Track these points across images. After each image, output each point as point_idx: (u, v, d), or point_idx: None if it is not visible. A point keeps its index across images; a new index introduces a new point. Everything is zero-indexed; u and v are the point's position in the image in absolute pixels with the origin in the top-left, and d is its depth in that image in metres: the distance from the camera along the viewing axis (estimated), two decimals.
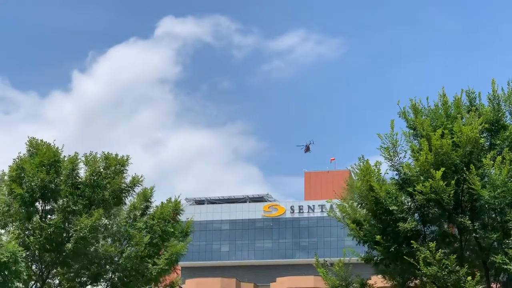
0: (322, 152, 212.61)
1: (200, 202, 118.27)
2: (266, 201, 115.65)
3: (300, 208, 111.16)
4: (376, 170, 29.96)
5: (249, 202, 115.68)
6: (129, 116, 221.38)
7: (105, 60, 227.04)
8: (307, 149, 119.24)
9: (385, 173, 30.33)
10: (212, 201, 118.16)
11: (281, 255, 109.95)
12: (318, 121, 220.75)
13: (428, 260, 27.35)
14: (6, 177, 36.90)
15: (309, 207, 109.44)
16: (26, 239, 35.48)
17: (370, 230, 30.11)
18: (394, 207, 29.15)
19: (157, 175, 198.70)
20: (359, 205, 31.19)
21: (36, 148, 36.42)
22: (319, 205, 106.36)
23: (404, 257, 28.36)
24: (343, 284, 31.66)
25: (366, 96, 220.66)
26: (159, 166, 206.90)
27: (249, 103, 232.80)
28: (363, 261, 31.60)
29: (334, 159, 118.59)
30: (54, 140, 36.49)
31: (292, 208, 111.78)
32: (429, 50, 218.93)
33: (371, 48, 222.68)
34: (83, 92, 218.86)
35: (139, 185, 38.09)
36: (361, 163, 30.34)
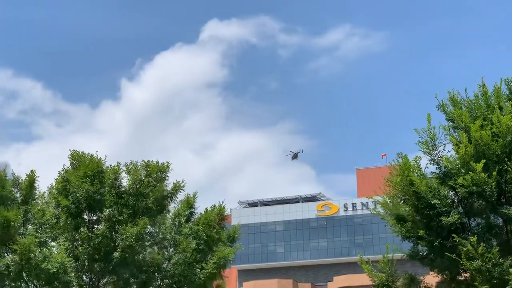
0: (373, 148, 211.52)
1: (253, 204, 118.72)
2: (319, 200, 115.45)
3: (354, 205, 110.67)
4: (416, 165, 29.68)
5: (302, 202, 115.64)
6: (179, 121, 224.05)
7: (152, 67, 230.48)
8: (295, 156, 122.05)
9: (425, 168, 30.04)
10: (265, 203, 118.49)
11: (337, 253, 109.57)
12: (368, 116, 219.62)
13: (470, 254, 26.94)
14: (54, 190, 37.74)
15: (362, 204, 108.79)
16: (75, 250, 36.21)
17: (412, 225, 29.80)
18: (436, 201, 28.78)
19: (209, 179, 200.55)
20: (402, 201, 30.91)
21: (78, 160, 37.16)
22: (372, 202, 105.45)
23: (446, 253, 27.97)
24: (390, 280, 31.41)
25: (415, 88, 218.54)
26: (210, 170, 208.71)
27: (297, 101, 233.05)
28: (407, 257, 31.30)
29: (385, 155, 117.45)
30: (97, 151, 37.27)
31: (345, 206, 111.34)
32: (475, 40, 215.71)
33: (417, 39, 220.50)
34: (132, 100, 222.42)
35: (181, 190, 38.45)
36: (400, 159, 30.07)
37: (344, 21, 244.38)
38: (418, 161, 29.86)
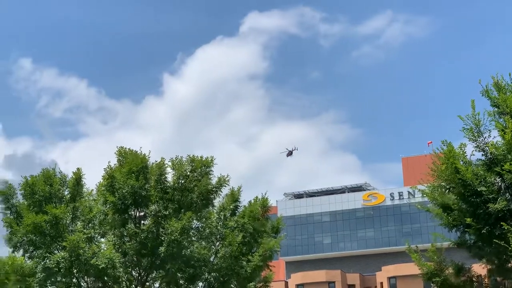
0: (419, 136, 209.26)
1: (299, 196, 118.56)
2: (364, 190, 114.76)
3: (400, 194, 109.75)
4: (461, 152, 29.29)
5: (348, 192, 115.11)
6: (222, 114, 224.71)
7: (193, 61, 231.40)
8: (290, 153, 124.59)
9: (471, 155, 29.60)
10: (311, 194, 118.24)
11: (384, 243, 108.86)
12: (412, 103, 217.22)
13: None
14: (102, 188, 38.21)
15: (409, 193, 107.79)
16: (123, 245, 36.60)
17: (459, 214, 29.43)
18: (483, 188, 28.33)
19: (254, 171, 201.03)
20: (447, 189, 30.54)
21: (124, 156, 37.52)
22: (419, 190, 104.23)
23: (494, 240, 27.55)
24: (438, 269, 31.15)
25: (461, 74, 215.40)
26: (255, 162, 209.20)
27: (340, 91, 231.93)
28: (455, 246, 30.96)
29: (431, 142, 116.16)
30: (141, 148, 37.59)
31: (391, 195, 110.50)
32: None
33: (460, 23, 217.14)
34: (174, 94, 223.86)
35: (225, 185, 38.55)
36: (445, 147, 29.69)
37: (385, 7, 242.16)
38: (463, 148, 29.43)
